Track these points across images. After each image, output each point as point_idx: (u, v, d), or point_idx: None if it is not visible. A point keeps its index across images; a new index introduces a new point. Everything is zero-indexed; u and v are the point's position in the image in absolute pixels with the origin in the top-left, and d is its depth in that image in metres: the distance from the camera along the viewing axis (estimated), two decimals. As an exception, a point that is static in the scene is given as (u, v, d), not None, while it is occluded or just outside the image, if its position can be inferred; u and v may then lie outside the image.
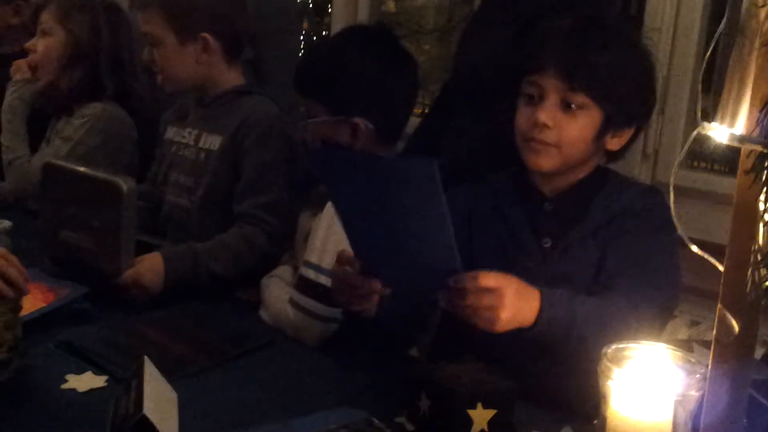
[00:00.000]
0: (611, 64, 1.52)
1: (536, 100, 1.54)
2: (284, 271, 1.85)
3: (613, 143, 1.58)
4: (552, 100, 1.52)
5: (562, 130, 1.52)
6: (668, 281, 1.52)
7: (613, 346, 1.15)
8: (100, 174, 1.84)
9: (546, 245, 1.58)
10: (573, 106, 1.51)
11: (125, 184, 1.78)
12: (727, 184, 2.34)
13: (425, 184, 1.25)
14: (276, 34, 2.36)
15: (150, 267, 1.87)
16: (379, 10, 3.23)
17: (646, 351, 1.15)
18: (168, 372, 1.42)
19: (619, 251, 1.51)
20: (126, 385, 1.34)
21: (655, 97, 1.63)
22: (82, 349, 1.59)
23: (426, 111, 2.28)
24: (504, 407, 1.35)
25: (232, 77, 2.16)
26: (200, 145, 2.14)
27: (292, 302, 1.71)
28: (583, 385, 1.42)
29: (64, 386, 1.46)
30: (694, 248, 1.03)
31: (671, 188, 1.06)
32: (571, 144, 1.53)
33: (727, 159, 2.49)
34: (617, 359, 1.13)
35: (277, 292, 1.78)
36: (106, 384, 1.48)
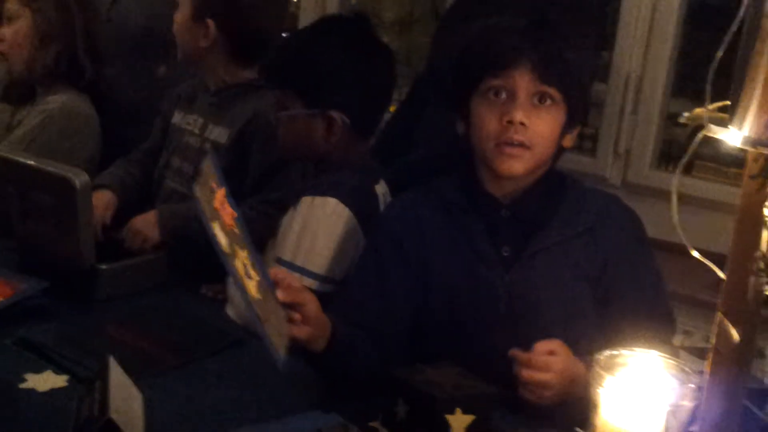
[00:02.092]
0: (579, 57, 1.51)
1: (504, 99, 1.49)
2: None
3: (567, 140, 1.56)
4: (524, 96, 1.48)
5: (536, 128, 1.48)
6: (670, 311, 1.57)
7: (606, 353, 1.11)
8: (53, 168, 1.77)
9: (506, 254, 1.53)
10: (547, 101, 1.48)
11: (78, 179, 1.71)
12: (699, 187, 2.34)
13: None
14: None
15: (142, 217, 1.97)
16: (348, 2, 3.18)
17: (639, 359, 1.11)
18: (133, 372, 1.35)
19: (620, 277, 1.53)
20: (89, 385, 1.28)
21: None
22: (41, 346, 1.52)
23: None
24: (483, 413, 1.32)
25: (240, 73, 2.12)
26: (205, 135, 2.10)
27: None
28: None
29: (23, 385, 1.40)
30: (696, 254, 1.00)
31: (673, 195, 1.02)
32: (542, 142, 1.49)
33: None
34: (609, 366, 1.10)
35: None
36: (67, 384, 1.42)
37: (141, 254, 1.94)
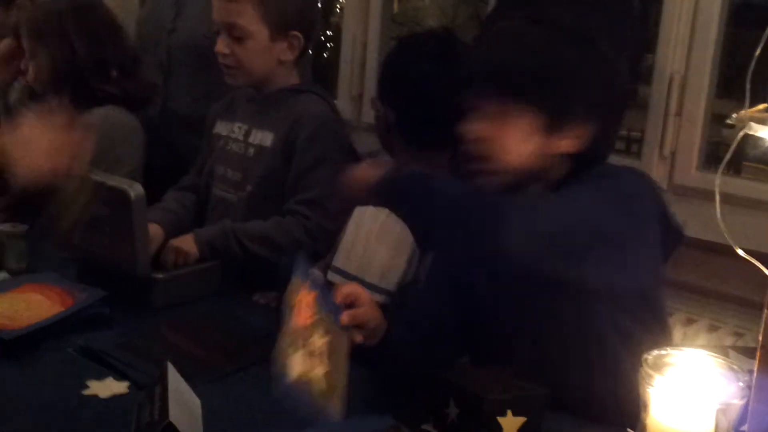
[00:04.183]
0: (525, 68, 1.44)
1: None
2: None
3: (564, 145, 1.47)
4: (486, 110, 1.46)
5: (492, 141, 1.46)
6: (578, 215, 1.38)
7: (654, 353, 1.12)
8: (108, 180, 1.81)
9: None
10: (505, 112, 1.45)
11: (133, 191, 1.75)
12: (747, 188, 2.32)
13: None
14: None
15: (179, 237, 1.98)
16: (390, 10, 3.21)
17: (688, 357, 1.12)
18: (190, 377, 1.39)
19: None
20: (149, 391, 1.32)
21: (607, 90, 1.50)
22: (101, 354, 1.57)
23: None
24: (534, 415, 1.33)
25: (291, 77, 2.14)
26: (249, 140, 2.12)
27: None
28: (616, 392, 1.41)
29: (86, 392, 1.44)
30: (741, 252, 1.01)
31: (716, 194, 1.03)
32: (503, 153, 1.46)
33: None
34: (658, 366, 1.11)
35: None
36: (128, 390, 1.46)
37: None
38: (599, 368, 1.47)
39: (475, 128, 1.47)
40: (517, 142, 1.46)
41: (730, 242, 1.00)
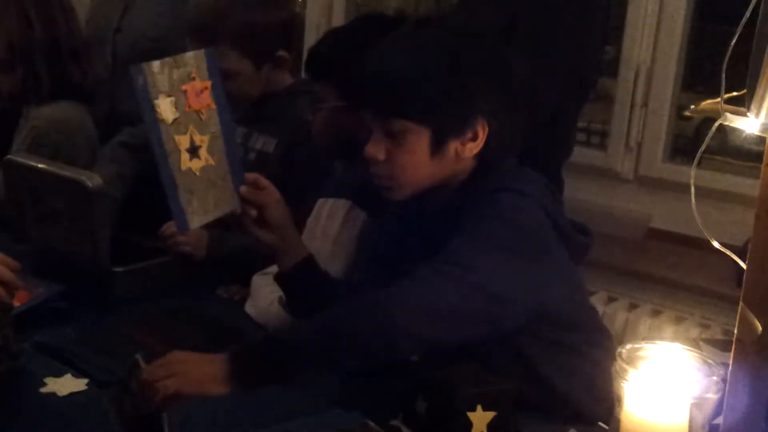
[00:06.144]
0: (417, 80, 1.40)
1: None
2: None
3: (467, 149, 1.43)
4: (378, 132, 1.43)
5: (394, 161, 1.42)
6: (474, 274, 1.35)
7: (628, 346, 1.11)
8: (65, 171, 1.77)
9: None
10: (400, 132, 1.41)
11: (91, 181, 1.71)
12: (709, 179, 2.33)
13: None
14: None
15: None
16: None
17: (663, 351, 1.11)
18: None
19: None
20: (123, 386, 1.28)
21: (503, 86, 1.44)
22: (59, 350, 1.53)
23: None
24: (504, 409, 1.32)
25: (284, 79, 2.11)
26: (250, 144, 2.06)
27: (281, 301, 1.65)
28: (586, 386, 1.41)
29: (44, 390, 1.41)
30: (716, 244, 0.99)
31: (691, 186, 1.01)
32: (407, 172, 1.43)
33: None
34: (632, 360, 1.09)
35: (268, 290, 1.72)
36: (87, 387, 1.43)
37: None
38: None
39: (377, 150, 1.42)
40: (419, 160, 1.42)
41: (707, 235, 0.99)
